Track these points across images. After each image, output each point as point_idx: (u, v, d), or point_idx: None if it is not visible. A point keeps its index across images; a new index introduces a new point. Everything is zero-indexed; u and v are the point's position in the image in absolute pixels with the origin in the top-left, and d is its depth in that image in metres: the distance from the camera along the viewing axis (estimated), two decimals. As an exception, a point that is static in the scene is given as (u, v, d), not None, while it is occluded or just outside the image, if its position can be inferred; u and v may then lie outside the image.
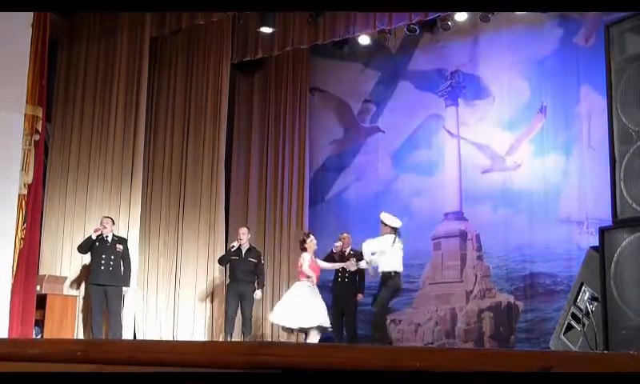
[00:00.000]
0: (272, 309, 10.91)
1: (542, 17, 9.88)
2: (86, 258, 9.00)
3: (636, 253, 4.32)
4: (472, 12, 9.73)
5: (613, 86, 4.62)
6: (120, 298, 8.84)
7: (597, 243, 4.68)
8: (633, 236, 4.35)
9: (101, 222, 8.82)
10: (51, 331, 8.45)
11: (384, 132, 11.29)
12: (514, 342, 9.57)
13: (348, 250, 9.38)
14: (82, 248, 8.87)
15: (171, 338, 9.76)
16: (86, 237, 8.92)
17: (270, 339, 10.52)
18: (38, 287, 8.34)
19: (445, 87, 10.77)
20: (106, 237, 8.78)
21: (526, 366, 1.66)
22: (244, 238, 9.52)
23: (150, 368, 2.01)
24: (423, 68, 11.05)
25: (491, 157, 10.26)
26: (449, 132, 10.69)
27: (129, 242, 9.24)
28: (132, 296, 9.33)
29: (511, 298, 9.77)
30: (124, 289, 8.90)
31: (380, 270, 8.00)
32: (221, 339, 9.39)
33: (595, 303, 4.88)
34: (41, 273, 8.73)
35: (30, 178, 7.80)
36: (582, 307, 5.02)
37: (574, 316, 5.14)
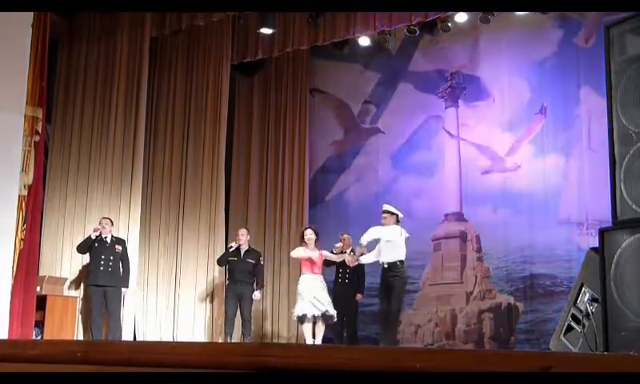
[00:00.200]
0: (272, 310, 10.97)
1: (541, 18, 9.89)
2: (86, 259, 9.01)
3: (636, 254, 4.32)
4: (472, 12, 9.73)
5: (613, 87, 4.61)
6: (119, 298, 8.84)
7: (597, 244, 4.67)
8: (633, 237, 4.35)
9: (100, 223, 8.82)
10: (51, 332, 8.45)
11: (384, 133, 11.29)
12: (514, 343, 9.57)
13: (348, 251, 9.37)
14: (81, 248, 8.87)
15: (171, 339, 9.76)
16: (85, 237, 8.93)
17: (270, 340, 10.52)
18: (38, 288, 8.35)
19: (445, 88, 10.77)
20: (105, 238, 8.78)
21: (526, 367, 1.66)
22: (243, 239, 9.52)
23: (150, 369, 2.01)
24: (423, 69, 11.05)
25: (491, 158, 10.26)
26: (449, 133, 10.70)
27: (129, 243, 9.24)
28: (132, 297, 9.33)
29: (511, 299, 9.77)
30: (123, 290, 8.90)
31: (385, 260, 7.85)
32: (221, 340, 9.38)
33: (595, 304, 4.87)
34: (41, 274, 8.73)
35: (30, 179, 7.80)
36: (582, 308, 5.02)
37: (573, 317, 5.13)
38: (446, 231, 10.46)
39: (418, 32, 10.26)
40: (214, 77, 10.61)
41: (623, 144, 4.49)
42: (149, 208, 10.25)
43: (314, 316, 8.32)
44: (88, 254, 8.89)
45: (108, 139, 9.61)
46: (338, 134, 11.71)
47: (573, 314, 5.14)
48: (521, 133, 10.07)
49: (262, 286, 9.68)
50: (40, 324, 8.40)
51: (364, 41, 10.66)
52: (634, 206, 4.37)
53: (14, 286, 7.56)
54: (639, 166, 4.38)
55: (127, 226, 9.43)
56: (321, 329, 8.40)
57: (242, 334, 9.33)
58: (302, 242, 8.75)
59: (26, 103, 7.74)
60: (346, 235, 9.40)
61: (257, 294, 9.42)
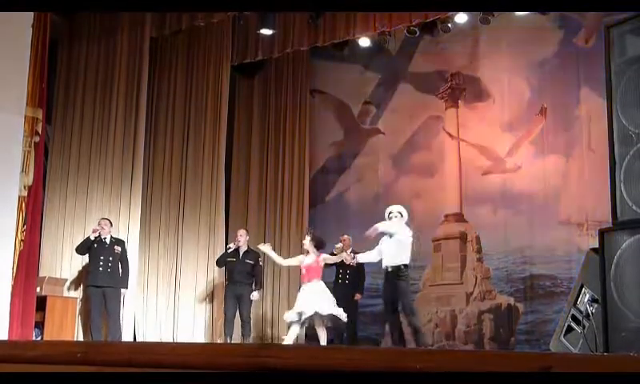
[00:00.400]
0: (273, 311, 10.96)
1: (541, 18, 9.89)
2: (86, 260, 9.00)
3: (636, 255, 4.32)
4: (472, 13, 9.73)
5: (613, 88, 4.61)
6: (118, 299, 8.83)
7: (597, 245, 4.67)
8: (633, 238, 4.35)
9: (99, 224, 8.81)
10: (51, 333, 8.45)
11: (384, 134, 11.30)
12: (514, 344, 9.57)
13: (348, 252, 9.37)
14: (80, 249, 8.86)
15: (171, 340, 9.75)
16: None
17: (270, 341, 10.52)
18: (38, 289, 8.34)
19: (445, 89, 10.78)
20: (104, 238, 8.78)
21: (526, 367, 1.66)
22: (242, 240, 9.52)
23: (149, 369, 2.01)
24: (423, 70, 11.06)
25: (491, 158, 10.27)
26: (449, 134, 10.70)
27: (129, 243, 9.24)
28: (132, 297, 9.32)
29: (511, 300, 9.77)
30: (122, 290, 8.89)
31: (389, 263, 7.64)
32: (221, 341, 9.38)
33: (595, 305, 4.87)
34: (41, 275, 8.72)
35: (30, 180, 7.80)
36: (582, 309, 5.02)
37: (574, 318, 5.13)
38: (445, 232, 10.46)
39: (417, 33, 10.26)
40: (214, 77, 10.61)
41: (623, 145, 4.49)
42: (149, 209, 10.24)
43: (321, 317, 8.13)
44: (88, 255, 8.89)
45: (108, 140, 9.60)
46: (338, 135, 11.71)
47: (573, 314, 5.14)
48: (521, 133, 10.07)
49: (261, 287, 9.67)
50: (40, 325, 8.40)
51: (364, 41, 10.66)
52: (634, 207, 4.37)
53: (14, 287, 7.55)
54: (639, 167, 4.38)
55: (127, 227, 9.43)
56: (322, 334, 8.22)
57: (242, 335, 9.33)
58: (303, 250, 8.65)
59: (26, 104, 7.74)
60: (346, 236, 9.40)
61: (255, 295, 9.41)
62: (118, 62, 9.79)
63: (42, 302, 8.38)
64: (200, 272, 10.18)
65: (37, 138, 7.88)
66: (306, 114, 11.55)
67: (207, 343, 8.39)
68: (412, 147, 10.98)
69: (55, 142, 9.69)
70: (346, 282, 9.53)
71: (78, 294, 9.09)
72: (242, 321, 9.32)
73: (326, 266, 9.07)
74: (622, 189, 4.45)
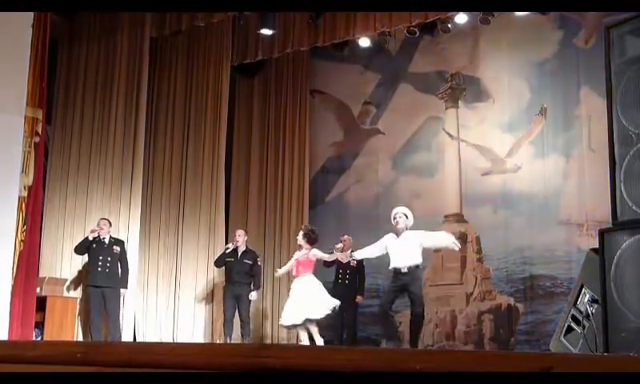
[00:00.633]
0: (273, 311, 10.96)
1: (541, 19, 9.89)
2: (86, 260, 9.00)
3: (636, 255, 4.32)
4: (472, 13, 9.73)
5: (613, 88, 4.62)
6: (118, 299, 8.83)
7: (597, 245, 4.67)
8: (633, 238, 4.35)
9: (98, 224, 8.81)
10: (51, 333, 8.45)
11: (384, 134, 11.29)
12: (514, 345, 9.57)
13: (348, 252, 9.37)
14: (79, 249, 8.86)
15: (171, 340, 9.75)
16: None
17: (270, 341, 10.52)
18: (38, 289, 8.34)
19: (445, 89, 10.78)
20: (103, 238, 8.77)
21: (526, 368, 1.66)
22: (240, 240, 9.53)
23: (149, 370, 2.01)
24: (423, 70, 11.05)
25: (491, 159, 10.27)
26: (449, 134, 10.70)
27: (129, 243, 9.25)
28: (132, 297, 9.33)
29: (511, 301, 9.77)
30: (122, 290, 8.89)
31: (403, 264, 7.53)
32: (220, 341, 9.38)
33: (595, 305, 4.87)
34: (41, 275, 8.73)
35: (30, 180, 7.80)
36: (582, 309, 5.02)
37: (574, 318, 5.13)
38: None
39: (417, 33, 10.26)
40: (214, 78, 10.62)
41: (623, 145, 4.49)
42: (149, 209, 10.25)
43: (307, 320, 8.12)
44: (87, 255, 8.89)
45: (108, 140, 9.61)
46: (338, 135, 11.71)
47: (573, 314, 5.14)
48: (521, 134, 10.07)
49: (259, 287, 9.68)
50: (40, 325, 8.40)
51: (364, 42, 10.66)
52: (634, 207, 4.37)
53: (13, 287, 7.55)
54: (639, 167, 4.38)
55: (127, 227, 9.43)
56: (314, 330, 8.17)
57: (241, 335, 9.33)
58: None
59: (26, 104, 7.74)
60: (346, 236, 9.40)
61: (253, 295, 9.42)
62: (118, 61, 9.79)
63: (41, 303, 8.39)
64: (200, 272, 10.18)
65: (37, 139, 7.88)
66: (305, 115, 11.55)
67: (207, 343, 8.39)
68: (412, 147, 10.98)
69: (55, 142, 9.69)
70: (345, 282, 9.53)
71: (78, 294, 9.09)
72: (241, 321, 9.32)
73: (327, 265, 9.08)
74: (622, 189, 4.45)
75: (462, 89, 10.66)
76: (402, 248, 7.64)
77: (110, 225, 8.92)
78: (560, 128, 9.79)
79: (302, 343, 7.98)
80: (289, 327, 8.44)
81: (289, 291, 10.36)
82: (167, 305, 10.08)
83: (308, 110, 11.61)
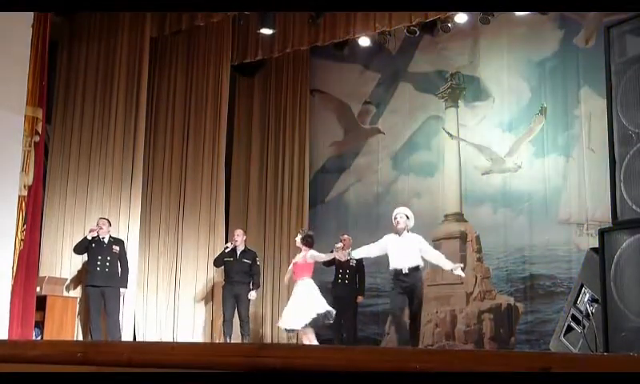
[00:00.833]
0: (272, 311, 10.97)
1: (541, 18, 9.89)
2: (86, 260, 8.99)
3: (636, 254, 4.32)
4: (472, 13, 9.73)
5: (613, 88, 4.61)
6: (117, 299, 8.82)
7: (597, 245, 4.67)
8: (633, 238, 4.35)
9: (97, 223, 8.81)
10: (51, 333, 8.44)
11: (384, 133, 11.29)
12: (514, 344, 9.57)
13: (348, 252, 9.37)
14: (78, 249, 8.85)
15: (171, 339, 9.75)
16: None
17: (269, 341, 10.53)
18: (38, 288, 8.33)
19: (445, 89, 10.78)
20: (103, 238, 8.76)
21: (526, 367, 1.66)
22: (239, 240, 9.54)
23: (149, 369, 2.01)
24: (423, 70, 11.06)
25: (491, 158, 10.27)
26: (449, 134, 10.70)
27: (129, 242, 9.24)
28: (132, 296, 9.32)
29: (511, 300, 9.77)
30: (122, 290, 8.88)
31: (405, 264, 7.54)
32: (220, 340, 9.38)
33: (595, 305, 4.88)
34: (41, 274, 8.71)
35: (30, 180, 7.80)
36: (582, 309, 5.02)
37: (574, 318, 5.14)
38: (445, 232, 10.46)
39: (417, 33, 10.27)
40: (214, 77, 10.62)
41: (623, 144, 4.49)
42: (149, 207, 10.24)
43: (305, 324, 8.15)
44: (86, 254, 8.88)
45: (108, 139, 9.60)
46: (338, 135, 11.71)
47: (573, 314, 5.15)
48: (521, 133, 10.07)
49: (259, 286, 9.69)
50: (40, 324, 8.39)
51: (364, 41, 10.66)
52: (633, 207, 4.37)
53: (14, 287, 7.55)
54: (639, 167, 4.39)
55: (127, 226, 9.43)
56: (311, 338, 8.18)
57: (241, 334, 9.33)
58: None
59: (26, 103, 7.74)
60: (346, 236, 9.40)
61: (252, 294, 9.43)
62: (118, 61, 9.79)
63: (41, 302, 8.38)
64: (200, 270, 10.19)
65: (37, 138, 7.88)
66: (305, 114, 11.56)
67: (207, 343, 8.39)
68: (412, 147, 10.98)
69: (55, 142, 9.69)
70: (345, 282, 9.52)
71: (78, 293, 9.09)
72: (240, 320, 9.32)
73: (327, 265, 9.09)
74: (622, 189, 4.45)
75: (461, 88, 10.66)
76: (403, 249, 7.65)
77: (110, 224, 8.91)
78: (560, 127, 9.79)
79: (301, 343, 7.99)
80: (287, 331, 8.49)
81: (289, 292, 10.39)
82: (167, 304, 10.08)
83: (308, 109, 11.62)
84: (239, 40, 10.84)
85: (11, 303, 7.47)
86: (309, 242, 8.38)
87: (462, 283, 10.17)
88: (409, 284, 7.54)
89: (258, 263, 9.71)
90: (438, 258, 7.98)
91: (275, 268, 10.99)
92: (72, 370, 2.11)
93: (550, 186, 9.73)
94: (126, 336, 9.08)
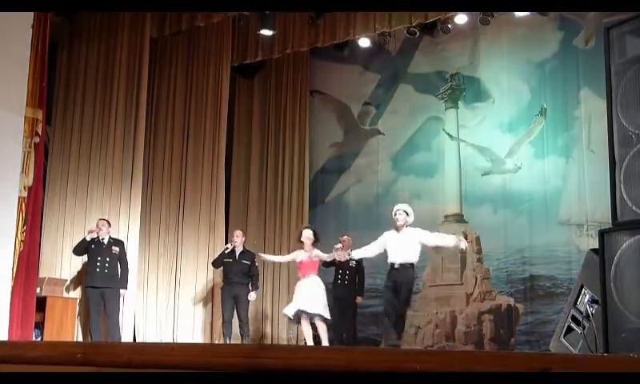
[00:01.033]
0: (272, 311, 10.98)
1: (541, 19, 9.89)
2: (86, 260, 8.99)
3: (636, 255, 4.32)
4: (472, 14, 9.73)
5: (613, 89, 4.61)
6: (117, 300, 8.81)
7: (597, 246, 4.67)
8: (633, 239, 4.35)
9: (96, 224, 8.80)
10: (51, 334, 8.44)
11: (384, 134, 11.30)
12: (514, 345, 9.57)
13: (346, 252, 9.36)
14: (77, 250, 8.85)
15: (171, 339, 9.75)
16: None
17: (269, 341, 10.53)
18: (38, 289, 8.34)
19: (445, 90, 10.78)
20: (102, 239, 8.76)
21: (526, 368, 1.66)
22: (238, 241, 9.54)
23: (149, 370, 2.01)
24: (423, 70, 11.06)
25: (491, 159, 10.27)
26: (449, 134, 10.70)
27: (129, 242, 9.24)
28: (132, 296, 9.32)
29: (511, 301, 9.77)
30: (121, 291, 8.88)
31: (396, 260, 7.60)
32: (220, 341, 9.39)
33: (595, 306, 4.88)
34: (41, 275, 8.71)
35: (30, 181, 7.80)
36: (582, 310, 5.02)
37: (574, 318, 5.14)
38: (446, 232, 10.44)
39: (417, 33, 10.27)
40: (214, 78, 10.62)
41: (623, 145, 4.49)
42: (149, 208, 10.25)
43: (308, 315, 8.26)
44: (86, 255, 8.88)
45: (108, 140, 9.61)
46: (338, 136, 11.72)
47: (573, 315, 5.15)
48: (521, 134, 10.07)
49: (257, 287, 9.68)
50: (40, 325, 8.39)
51: (364, 42, 10.67)
52: (633, 208, 4.37)
53: (13, 288, 7.55)
54: (639, 168, 4.38)
55: (127, 226, 9.43)
56: (323, 331, 8.30)
57: (240, 335, 9.33)
58: (299, 241, 8.72)
59: (26, 104, 7.74)
60: (345, 237, 9.40)
61: (252, 295, 9.43)
62: (118, 61, 9.79)
63: (41, 303, 8.38)
64: (200, 271, 10.20)
65: (37, 139, 7.88)
66: (305, 115, 11.56)
67: (207, 344, 8.40)
68: (412, 148, 10.99)
69: (55, 142, 9.69)
70: (345, 282, 9.52)
71: (78, 294, 9.09)
72: (240, 321, 9.32)
73: (326, 265, 9.09)
74: (622, 189, 4.45)
75: (461, 89, 10.66)
76: (400, 244, 7.66)
77: (110, 225, 8.91)
78: (560, 128, 9.79)
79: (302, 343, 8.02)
80: (289, 317, 8.53)
81: (289, 292, 10.43)
82: (167, 304, 10.09)
83: (308, 110, 11.62)
84: (239, 41, 10.85)
85: (11, 304, 7.47)
86: (317, 239, 8.58)
87: (461, 284, 10.18)
88: (398, 279, 7.55)
89: (257, 264, 9.72)
90: (439, 239, 8.02)
91: (275, 268, 10.99)
92: (72, 370, 2.11)
93: (549, 186, 9.73)
94: (126, 336, 9.07)
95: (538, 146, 9.91)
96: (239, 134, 11.67)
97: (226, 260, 9.49)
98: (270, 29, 10.25)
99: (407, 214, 7.77)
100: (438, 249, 10.35)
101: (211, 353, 2.07)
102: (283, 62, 11.44)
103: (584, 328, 4.98)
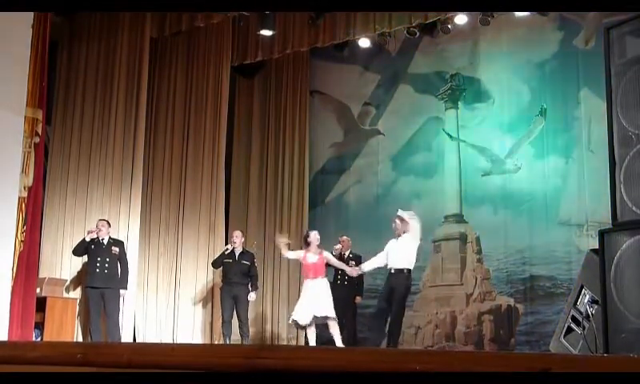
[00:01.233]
0: (272, 312, 10.97)
1: (541, 20, 9.89)
2: (86, 261, 8.99)
3: (636, 256, 4.32)
4: (471, 14, 9.73)
5: (613, 89, 4.62)
6: (117, 300, 8.81)
7: (597, 246, 4.67)
8: (633, 239, 4.35)
9: (96, 225, 8.80)
10: (51, 334, 8.44)
11: (384, 135, 11.30)
12: (514, 345, 9.57)
13: (347, 253, 9.37)
14: (77, 251, 8.84)
15: (171, 339, 9.75)
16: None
17: (269, 342, 10.53)
18: (38, 290, 8.33)
19: (445, 90, 10.78)
20: (102, 239, 8.75)
21: (526, 368, 1.66)
22: (237, 241, 9.53)
23: (149, 370, 2.01)
24: (423, 71, 11.06)
25: (491, 159, 10.27)
26: (449, 135, 10.70)
27: (129, 242, 9.23)
28: (132, 298, 9.32)
29: (511, 301, 9.77)
30: (121, 291, 8.87)
31: (392, 265, 7.76)
32: (220, 341, 9.39)
33: (595, 306, 4.88)
34: (41, 275, 8.71)
35: (30, 181, 7.79)
36: (582, 310, 5.03)
37: (574, 319, 5.14)
38: (445, 233, 10.46)
39: (417, 34, 10.27)
40: (214, 78, 10.62)
41: (623, 146, 4.50)
42: (149, 208, 10.25)
43: (314, 317, 8.23)
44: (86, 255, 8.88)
45: (108, 140, 9.60)
46: (338, 136, 11.71)
47: (573, 315, 5.15)
48: (521, 134, 10.07)
49: (257, 288, 9.67)
50: (40, 326, 8.38)
51: (364, 42, 10.66)
52: (633, 208, 4.37)
53: (13, 288, 7.55)
54: (639, 168, 4.39)
55: (127, 226, 9.43)
56: (336, 331, 8.26)
57: (240, 335, 9.33)
58: (304, 244, 8.64)
59: (26, 104, 7.73)
60: (345, 237, 9.39)
61: (252, 295, 9.42)
62: (118, 61, 9.79)
63: (41, 303, 8.37)
64: (200, 271, 10.19)
65: (37, 139, 7.87)
66: (305, 115, 11.56)
67: (207, 344, 8.40)
68: (412, 148, 10.98)
69: (55, 142, 9.69)
70: (344, 282, 9.50)
71: (78, 294, 9.09)
72: (239, 321, 9.31)
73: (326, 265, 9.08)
74: (622, 190, 4.45)
75: (461, 89, 10.66)
76: (396, 251, 7.86)
77: (109, 226, 8.90)
78: (560, 129, 9.79)
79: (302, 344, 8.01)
80: (298, 325, 8.46)
81: (289, 292, 10.42)
82: (167, 304, 10.08)
83: (308, 110, 11.62)
84: (239, 41, 10.84)
85: (11, 304, 7.47)
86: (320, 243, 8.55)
87: (461, 284, 10.18)
88: (391, 285, 7.69)
89: (256, 265, 9.71)
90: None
91: (275, 268, 10.99)
92: (72, 371, 2.11)
93: (549, 187, 9.73)
94: (126, 337, 9.07)
95: (537, 146, 9.91)
96: (239, 134, 11.67)
97: (225, 260, 9.48)
98: (269, 29, 10.25)
99: (402, 220, 7.86)
100: (438, 247, 10.39)
101: (211, 353, 2.07)
102: (283, 62, 11.43)
103: (584, 328, 4.98)
